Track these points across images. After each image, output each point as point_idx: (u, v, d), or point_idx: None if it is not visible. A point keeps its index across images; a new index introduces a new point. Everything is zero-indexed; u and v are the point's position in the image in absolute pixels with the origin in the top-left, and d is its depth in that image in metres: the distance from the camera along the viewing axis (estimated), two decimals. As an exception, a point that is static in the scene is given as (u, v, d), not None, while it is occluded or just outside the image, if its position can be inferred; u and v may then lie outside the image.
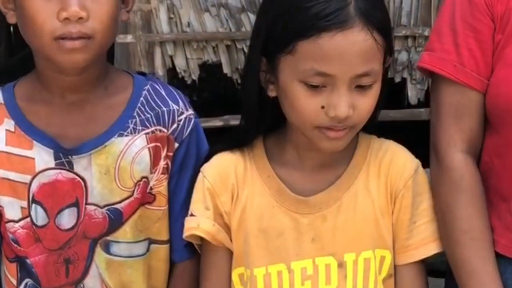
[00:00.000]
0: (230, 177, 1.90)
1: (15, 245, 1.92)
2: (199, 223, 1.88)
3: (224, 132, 3.13)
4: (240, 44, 3.18)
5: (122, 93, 1.93)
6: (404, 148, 1.93)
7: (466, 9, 1.88)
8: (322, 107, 1.74)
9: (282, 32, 1.76)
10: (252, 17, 3.18)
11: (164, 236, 1.97)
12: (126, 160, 1.89)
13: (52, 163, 1.88)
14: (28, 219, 1.91)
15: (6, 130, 1.90)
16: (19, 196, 1.90)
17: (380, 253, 1.88)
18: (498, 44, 1.87)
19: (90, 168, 1.88)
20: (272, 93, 1.84)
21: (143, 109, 1.91)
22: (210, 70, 3.40)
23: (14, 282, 1.96)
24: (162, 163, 1.92)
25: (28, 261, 1.92)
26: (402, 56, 3.20)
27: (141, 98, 1.92)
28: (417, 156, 1.94)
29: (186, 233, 1.90)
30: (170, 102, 1.93)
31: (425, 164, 1.95)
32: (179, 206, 1.96)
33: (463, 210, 1.86)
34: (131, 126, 1.90)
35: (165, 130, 1.92)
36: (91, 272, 1.93)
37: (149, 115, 1.91)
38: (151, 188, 1.93)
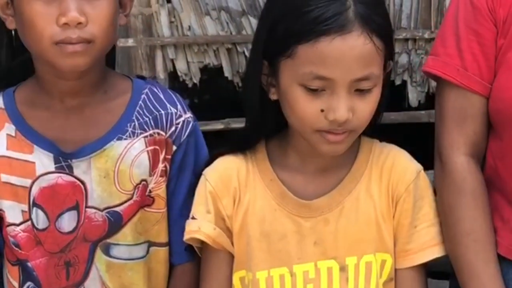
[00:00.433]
0: (232, 181, 1.91)
1: (16, 249, 1.94)
2: (200, 226, 1.89)
3: (225, 135, 3.14)
4: (241, 47, 3.18)
5: (121, 97, 1.94)
6: (406, 153, 1.94)
7: (469, 14, 1.89)
8: (322, 111, 1.75)
9: (282, 36, 1.77)
10: (253, 21, 3.19)
11: (163, 238, 1.98)
12: (125, 163, 1.91)
13: (52, 167, 1.90)
14: (29, 222, 1.92)
15: (7, 134, 1.92)
16: (20, 200, 1.91)
17: (381, 257, 1.89)
18: (500, 49, 1.88)
19: (90, 172, 1.90)
20: (273, 96, 1.85)
21: (141, 112, 1.93)
22: (211, 73, 3.41)
23: (16, 285, 1.97)
24: (160, 166, 1.93)
25: (29, 264, 1.94)
26: (403, 59, 3.20)
27: (140, 102, 1.94)
28: (417, 158, 1.95)
29: (186, 236, 1.91)
30: (168, 105, 1.95)
31: (426, 166, 1.96)
32: (177, 209, 1.97)
33: (465, 212, 1.87)
34: (130, 129, 1.91)
35: (163, 133, 1.93)
36: (91, 275, 1.94)
37: (147, 119, 1.92)
38: (150, 191, 1.94)
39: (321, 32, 1.71)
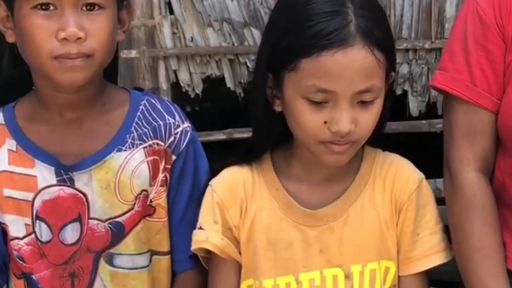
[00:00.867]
0: (239, 191, 1.93)
1: (21, 262, 1.96)
2: (208, 236, 1.91)
3: (227, 145, 3.15)
4: (243, 58, 3.18)
5: (119, 108, 1.96)
6: (408, 162, 1.97)
7: (478, 30, 1.90)
8: (325, 122, 1.78)
9: (286, 50, 1.79)
10: (255, 32, 3.20)
11: (165, 247, 1.99)
12: (125, 174, 1.92)
13: (53, 180, 1.91)
14: (33, 235, 1.94)
15: (8, 149, 1.93)
16: (23, 214, 1.93)
17: (385, 264, 1.91)
18: (509, 65, 1.89)
19: (91, 184, 1.91)
20: (278, 108, 1.87)
21: (140, 123, 1.94)
22: (213, 84, 3.41)
23: (23, 298, 1.99)
24: (160, 176, 1.95)
25: (34, 277, 1.96)
26: (403, 69, 3.20)
27: (138, 113, 1.95)
28: (418, 167, 1.96)
29: (194, 246, 1.93)
30: (166, 115, 1.96)
31: (427, 175, 1.97)
32: (178, 217, 1.99)
33: (475, 227, 1.89)
34: (129, 140, 1.93)
35: (163, 144, 1.94)
36: (96, 285, 1.96)
37: (146, 129, 1.94)
38: (150, 201, 1.96)
39: (323, 46, 1.74)
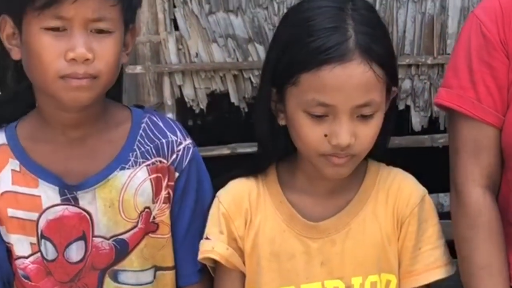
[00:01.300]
0: (244, 203, 1.96)
1: (26, 281, 1.97)
2: (213, 246, 1.94)
3: (231, 159, 3.17)
4: (247, 73, 3.18)
5: (122, 127, 1.97)
6: (411, 176, 1.98)
7: (481, 47, 1.91)
8: (325, 135, 1.80)
9: (287, 64, 1.82)
10: (259, 48, 3.21)
11: (169, 262, 2.01)
12: (129, 192, 1.93)
13: (58, 200, 1.92)
14: (38, 254, 1.95)
15: (12, 170, 1.94)
16: (28, 233, 1.94)
17: (386, 277, 1.93)
18: None
19: (95, 202, 1.92)
20: (282, 122, 1.90)
21: (142, 141, 1.95)
22: (217, 99, 3.42)
23: (29, 317, 1.99)
24: (163, 193, 1.96)
25: (40, 295, 1.96)
26: (406, 84, 3.21)
27: (140, 131, 1.96)
28: (420, 181, 1.98)
29: (200, 256, 1.96)
30: (168, 133, 1.97)
31: (429, 190, 1.98)
32: (182, 233, 2.00)
33: (480, 245, 1.89)
34: (132, 159, 1.94)
35: (165, 161, 1.95)
36: (101, 301, 1.97)
37: (148, 147, 1.95)
38: (154, 218, 1.97)
39: (323, 61, 1.76)
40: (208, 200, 2.01)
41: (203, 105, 3.31)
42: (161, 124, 1.99)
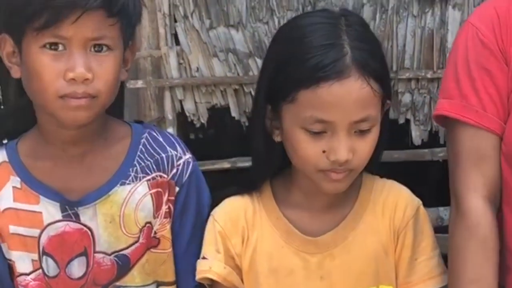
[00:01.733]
0: (240, 220, 1.96)
1: None
2: (211, 266, 1.94)
3: (231, 173, 3.18)
4: (248, 88, 3.19)
5: (121, 142, 1.97)
6: (405, 188, 1.99)
7: (480, 54, 1.90)
8: (323, 152, 1.81)
9: (284, 82, 1.82)
10: (260, 62, 3.21)
11: (171, 277, 2.01)
12: (129, 207, 1.94)
13: (59, 216, 1.92)
14: (40, 271, 1.94)
15: (13, 187, 1.94)
16: (30, 250, 1.93)
17: None
18: None
19: (96, 218, 1.92)
20: (277, 138, 1.90)
21: (142, 156, 1.96)
22: (218, 113, 3.43)
23: (30, 333, 1.98)
24: (164, 208, 1.96)
25: (41, 311, 1.96)
26: (406, 98, 3.22)
27: (140, 146, 1.97)
28: (420, 196, 1.98)
29: (198, 276, 1.96)
30: (168, 148, 1.98)
31: (427, 203, 2.00)
32: (183, 248, 2.00)
33: (474, 258, 1.87)
34: (132, 174, 1.94)
35: (166, 176, 1.96)
36: (103, 318, 1.96)
37: (149, 162, 1.95)
38: (155, 232, 1.97)
39: (320, 78, 1.77)
40: (207, 214, 2.01)
41: (203, 119, 3.32)
42: (160, 139, 1.99)
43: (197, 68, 3.28)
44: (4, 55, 1.88)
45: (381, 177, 2.00)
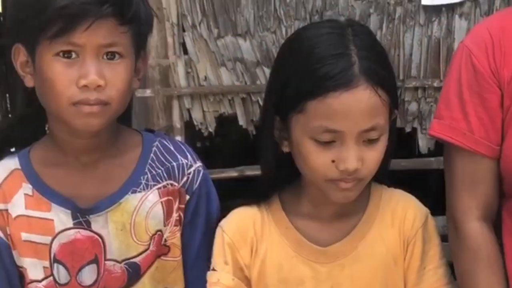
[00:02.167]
0: (249, 231, 1.97)
1: None
2: (219, 278, 1.94)
3: (239, 181, 3.18)
4: (255, 97, 3.19)
5: (133, 151, 1.98)
6: (413, 197, 2.00)
7: (472, 78, 1.90)
8: (333, 161, 1.81)
9: (293, 93, 1.83)
10: (267, 71, 3.22)
11: (180, 285, 2.02)
12: (140, 215, 1.95)
13: (70, 223, 1.93)
14: (51, 278, 1.96)
15: (25, 194, 1.95)
16: (41, 257, 1.95)
17: None
18: (508, 110, 1.89)
19: (107, 226, 1.94)
20: (286, 149, 1.91)
21: (153, 165, 1.97)
22: (226, 122, 3.43)
23: None
24: (174, 216, 1.98)
25: (52, 318, 1.97)
26: (412, 107, 3.21)
27: (151, 155, 1.98)
28: (427, 204, 1.99)
29: None
30: (179, 156, 1.99)
31: (436, 212, 2.01)
32: (193, 256, 2.01)
33: (482, 278, 1.90)
34: (143, 182, 1.96)
35: (176, 184, 1.97)
36: (114, 325, 1.97)
37: (160, 170, 1.97)
38: (165, 240, 1.98)
39: (329, 88, 1.78)
40: (217, 222, 2.01)
41: (211, 128, 3.32)
42: (171, 147, 2.01)
43: (205, 77, 3.27)
44: (17, 64, 1.90)
45: (388, 186, 2.01)
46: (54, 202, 1.94)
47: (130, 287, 1.98)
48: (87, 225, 1.94)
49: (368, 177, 1.87)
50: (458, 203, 1.94)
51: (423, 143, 3.28)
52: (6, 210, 1.95)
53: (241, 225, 1.97)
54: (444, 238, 2.02)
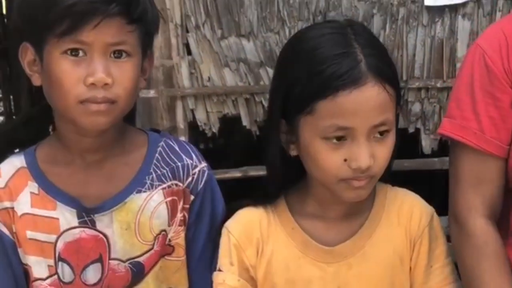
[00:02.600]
0: (255, 232, 1.97)
1: None
2: (224, 278, 1.95)
3: (243, 182, 3.18)
4: (259, 97, 3.19)
5: (138, 150, 1.99)
6: (418, 196, 2.01)
7: (484, 77, 1.91)
8: (345, 160, 1.81)
9: (300, 95, 1.83)
10: (270, 72, 3.22)
11: (184, 285, 2.03)
12: (145, 215, 1.95)
13: (75, 222, 1.94)
14: (56, 276, 1.96)
15: (31, 192, 1.96)
16: (46, 255, 1.95)
17: None
18: None
19: (112, 225, 1.94)
20: (293, 153, 1.91)
21: (158, 165, 1.98)
22: (229, 122, 3.44)
23: (46, 338, 2.00)
24: (179, 216, 1.98)
25: (56, 316, 1.97)
26: (416, 107, 3.22)
27: (156, 155, 1.99)
28: (430, 205, 2.00)
29: None
30: (184, 156, 2.00)
31: (440, 212, 2.01)
32: (197, 256, 2.02)
33: (490, 276, 1.90)
34: (148, 182, 1.96)
35: (181, 184, 1.98)
36: (118, 324, 1.97)
37: (164, 170, 1.97)
38: (169, 240, 1.99)
39: (339, 87, 1.78)
40: (222, 222, 2.02)
41: (215, 129, 3.32)
42: (177, 147, 2.01)
43: (209, 78, 3.28)
44: (25, 63, 1.90)
45: (392, 185, 2.02)
46: (60, 201, 1.94)
47: (134, 286, 1.98)
48: (92, 224, 1.94)
49: (379, 174, 1.87)
50: (462, 200, 1.95)
51: (426, 144, 3.28)
52: (12, 208, 1.96)
53: (247, 226, 1.97)
54: (449, 238, 2.03)
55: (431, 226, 1.96)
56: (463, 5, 3.17)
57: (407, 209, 1.96)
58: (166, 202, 1.97)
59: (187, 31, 3.29)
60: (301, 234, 1.95)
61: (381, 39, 3.06)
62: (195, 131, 3.41)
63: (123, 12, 1.81)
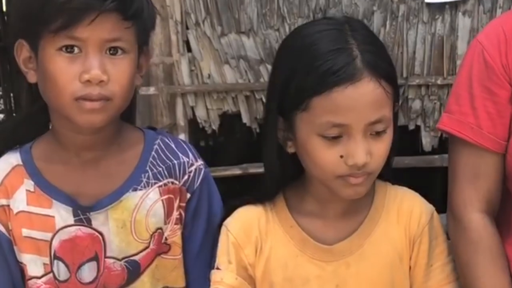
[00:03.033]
0: (253, 230, 1.96)
1: None
2: (222, 277, 1.94)
3: (243, 179, 3.19)
4: (259, 94, 3.20)
5: (134, 148, 1.98)
6: (418, 195, 2.00)
7: (483, 73, 1.91)
8: (341, 157, 1.80)
9: (295, 92, 1.82)
10: (270, 68, 3.24)
11: (181, 283, 2.02)
12: (141, 213, 1.95)
13: (71, 220, 1.93)
14: (51, 274, 1.96)
15: (26, 190, 1.95)
16: (41, 253, 1.94)
17: None
18: None
19: (107, 223, 1.94)
20: (290, 150, 1.90)
21: (155, 163, 1.97)
22: (229, 119, 3.44)
23: (42, 337, 1.99)
24: (175, 214, 1.97)
25: (52, 315, 1.97)
26: (416, 104, 3.22)
27: (153, 153, 1.98)
28: (431, 201, 1.99)
29: (211, 287, 1.95)
30: (180, 154, 1.99)
31: (440, 209, 2.00)
32: (194, 254, 2.01)
33: (484, 270, 1.90)
34: (144, 180, 1.95)
35: (177, 182, 1.97)
36: (113, 322, 1.97)
37: (161, 168, 1.97)
38: (165, 238, 1.98)
39: (334, 83, 1.77)
40: (219, 221, 2.01)
41: (215, 126, 3.33)
42: (173, 145, 2.00)
43: (209, 75, 3.29)
44: (20, 60, 1.89)
45: (392, 183, 2.01)
46: (55, 198, 1.93)
47: (130, 284, 1.97)
48: (88, 223, 1.94)
49: (377, 171, 1.86)
50: (459, 195, 1.95)
51: (426, 141, 3.29)
52: (8, 205, 1.95)
53: (245, 224, 1.97)
54: (449, 236, 2.02)
55: (431, 224, 1.95)
56: (464, 2, 3.17)
57: (406, 208, 1.95)
58: (162, 200, 1.96)
59: (187, 28, 3.30)
60: (300, 232, 1.94)
61: (381, 36, 3.07)
62: (195, 128, 3.41)
63: (119, 8, 1.80)
